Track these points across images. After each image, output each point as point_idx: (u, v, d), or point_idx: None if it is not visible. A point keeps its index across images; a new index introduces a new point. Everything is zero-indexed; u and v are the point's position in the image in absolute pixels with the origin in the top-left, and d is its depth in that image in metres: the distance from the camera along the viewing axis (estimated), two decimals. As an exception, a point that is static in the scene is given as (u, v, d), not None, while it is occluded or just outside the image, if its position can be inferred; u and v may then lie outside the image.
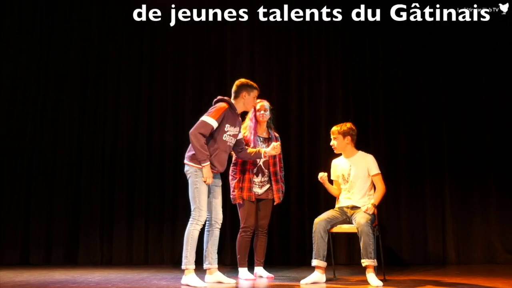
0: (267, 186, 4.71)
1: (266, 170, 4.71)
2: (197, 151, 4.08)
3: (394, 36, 6.07)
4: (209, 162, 4.09)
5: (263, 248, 4.73)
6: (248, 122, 4.72)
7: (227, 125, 4.20)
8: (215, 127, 4.14)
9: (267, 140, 4.74)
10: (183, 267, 4.12)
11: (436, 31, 6.02)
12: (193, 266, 4.12)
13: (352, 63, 6.11)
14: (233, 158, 4.71)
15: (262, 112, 4.69)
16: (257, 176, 4.67)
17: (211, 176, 4.10)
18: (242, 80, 4.38)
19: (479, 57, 5.96)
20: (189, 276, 4.09)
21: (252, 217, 4.63)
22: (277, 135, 4.87)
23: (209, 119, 4.13)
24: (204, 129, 4.11)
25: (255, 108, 4.68)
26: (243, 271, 4.60)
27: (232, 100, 4.32)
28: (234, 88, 4.35)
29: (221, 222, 4.30)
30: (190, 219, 4.14)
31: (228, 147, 4.29)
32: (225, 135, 4.21)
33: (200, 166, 4.10)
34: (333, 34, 6.16)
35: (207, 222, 4.28)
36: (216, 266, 4.29)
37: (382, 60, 6.06)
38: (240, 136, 4.44)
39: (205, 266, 4.28)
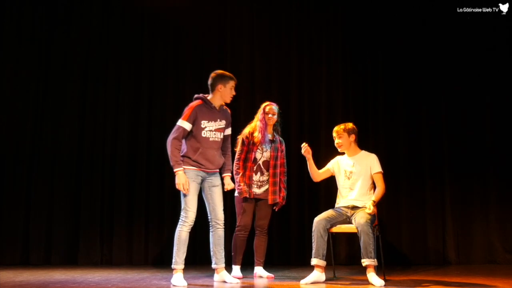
0: (266, 186, 4.73)
1: (265, 171, 4.74)
2: (169, 157, 4.11)
3: (395, 36, 6.07)
4: (181, 169, 4.07)
5: (263, 248, 4.75)
6: (258, 123, 4.76)
7: (203, 122, 4.17)
8: (188, 128, 4.14)
9: (271, 142, 4.78)
10: (172, 266, 4.16)
11: (436, 31, 6.02)
12: (181, 266, 4.14)
13: (352, 64, 6.11)
14: (236, 154, 4.75)
15: (270, 115, 4.75)
16: (256, 174, 4.70)
17: (184, 183, 4.06)
18: (217, 71, 4.31)
19: (479, 57, 5.96)
20: (175, 275, 4.13)
21: (248, 216, 4.66)
22: (281, 139, 4.90)
23: (180, 121, 4.15)
24: (177, 133, 4.12)
25: (264, 110, 4.74)
26: (236, 269, 4.63)
27: (210, 94, 4.27)
28: (209, 81, 4.27)
29: (222, 222, 4.28)
30: (179, 219, 4.16)
31: (213, 142, 4.22)
32: (203, 131, 4.17)
33: (188, 167, 4.13)
34: (334, 34, 6.17)
35: (209, 223, 4.29)
36: (223, 265, 4.31)
37: (382, 60, 6.06)
38: (228, 132, 4.38)
39: (212, 265, 4.32)
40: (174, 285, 4.06)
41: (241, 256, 4.66)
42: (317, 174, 4.65)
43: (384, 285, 3.98)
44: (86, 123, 6.14)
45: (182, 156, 4.16)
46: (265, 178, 4.73)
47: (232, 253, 4.68)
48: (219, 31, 6.29)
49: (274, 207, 4.80)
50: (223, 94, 4.24)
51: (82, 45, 6.25)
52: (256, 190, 4.69)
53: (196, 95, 4.31)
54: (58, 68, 6.22)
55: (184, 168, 4.11)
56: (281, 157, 4.82)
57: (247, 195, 4.64)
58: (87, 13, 6.30)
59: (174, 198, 5.97)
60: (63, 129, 6.12)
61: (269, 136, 4.77)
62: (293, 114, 6.06)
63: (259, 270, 4.71)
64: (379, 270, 4.24)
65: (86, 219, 5.95)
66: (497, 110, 5.89)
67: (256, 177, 4.70)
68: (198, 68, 6.23)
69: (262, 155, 4.73)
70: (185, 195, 4.11)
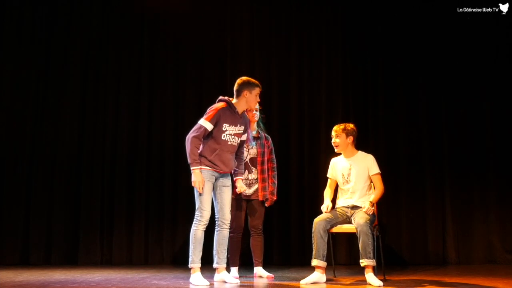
0: (256, 186, 4.73)
1: (253, 168, 4.73)
2: (187, 154, 4.14)
3: (395, 36, 6.07)
4: (198, 167, 4.10)
5: (260, 248, 4.74)
6: None
7: (225, 125, 4.20)
8: (209, 129, 4.16)
9: (256, 139, 4.79)
10: (189, 266, 4.18)
11: (436, 31, 6.02)
12: (198, 265, 4.16)
13: (353, 64, 6.11)
14: None
15: (253, 112, 4.75)
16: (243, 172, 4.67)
17: (200, 181, 4.10)
18: (244, 78, 4.35)
19: (479, 57, 5.96)
20: (194, 275, 4.15)
21: (240, 217, 4.66)
22: (267, 135, 4.89)
23: (202, 121, 4.18)
24: (198, 132, 4.14)
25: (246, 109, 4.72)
26: (233, 271, 4.63)
27: (235, 99, 4.31)
28: (235, 87, 4.31)
29: (228, 222, 4.30)
30: (194, 218, 4.18)
31: (231, 146, 4.27)
32: (224, 134, 4.21)
33: (203, 167, 4.15)
34: (334, 34, 6.17)
35: (216, 222, 4.31)
36: (224, 265, 4.32)
37: (382, 60, 6.06)
38: (244, 138, 4.41)
39: (214, 265, 4.33)
40: (195, 285, 4.07)
41: (237, 257, 4.66)
42: (330, 196, 4.60)
43: (383, 285, 3.98)
44: (86, 123, 6.14)
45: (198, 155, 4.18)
46: (253, 176, 4.72)
47: (228, 255, 4.66)
48: (219, 31, 6.28)
49: (265, 203, 4.78)
50: (248, 100, 4.28)
51: (82, 45, 6.25)
52: (247, 191, 4.67)
53: (220, 97, 4.33)
54: (58, 68, 6.22)
55: (201, 168, 4.13)
56: (267, 153, 4.80)
57: (233, 196, 4.58)
58: (87, 13, 6.30)
59: (173, 198, 5.99)
60: (63, 129, 6.11)
61: (253, 133, 4.78)
62: (293, 114, 6.05)
63: (258, 270, 4.72)
64: (379, 270, 4.24)
65: (86, 219, 5.95)
66: (497, 110, 5.89)
67: (244, 175, 4.67)
68: (198, 68, 6.23)
69: (248, 152, 4.72)
70: (200, 194, 4.14)
